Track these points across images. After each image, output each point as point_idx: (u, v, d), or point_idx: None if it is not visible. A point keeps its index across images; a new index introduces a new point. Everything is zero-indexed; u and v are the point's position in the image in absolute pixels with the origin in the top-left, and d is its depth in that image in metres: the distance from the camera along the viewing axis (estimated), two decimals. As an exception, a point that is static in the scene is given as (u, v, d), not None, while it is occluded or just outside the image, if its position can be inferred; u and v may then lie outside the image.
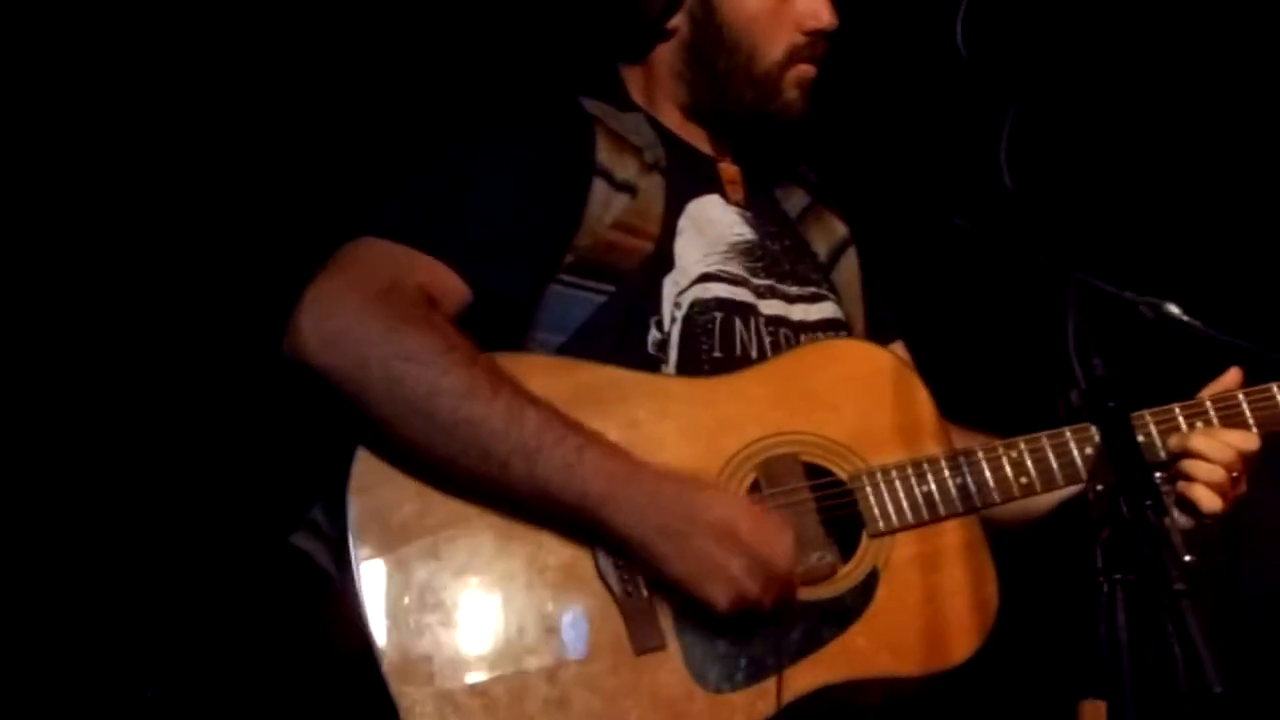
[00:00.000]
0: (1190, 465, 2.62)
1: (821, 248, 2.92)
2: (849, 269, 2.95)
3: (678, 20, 2.77)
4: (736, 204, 2.82)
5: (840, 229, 2.96)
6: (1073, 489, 2.68)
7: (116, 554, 3.58)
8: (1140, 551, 2.07)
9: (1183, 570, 2.03)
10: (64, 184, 3.62)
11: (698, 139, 2.83)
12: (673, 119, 2.82)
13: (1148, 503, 2.08)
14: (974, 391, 2.93)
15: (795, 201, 2.94)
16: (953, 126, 3.07)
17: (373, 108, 3.73)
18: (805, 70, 2.78)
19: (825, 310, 2.83)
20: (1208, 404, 2.69)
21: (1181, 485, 2.63)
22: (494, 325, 2.55)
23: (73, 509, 3.60)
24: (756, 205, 2.85)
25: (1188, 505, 2.62)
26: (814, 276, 2.86)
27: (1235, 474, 2.63)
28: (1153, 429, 2.67)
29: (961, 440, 2.69)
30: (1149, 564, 2.06)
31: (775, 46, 2.75)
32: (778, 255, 2.82)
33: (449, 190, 2.58)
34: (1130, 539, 2.09)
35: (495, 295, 2.55)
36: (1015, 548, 2.73)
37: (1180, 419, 2.68)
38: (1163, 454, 2.65)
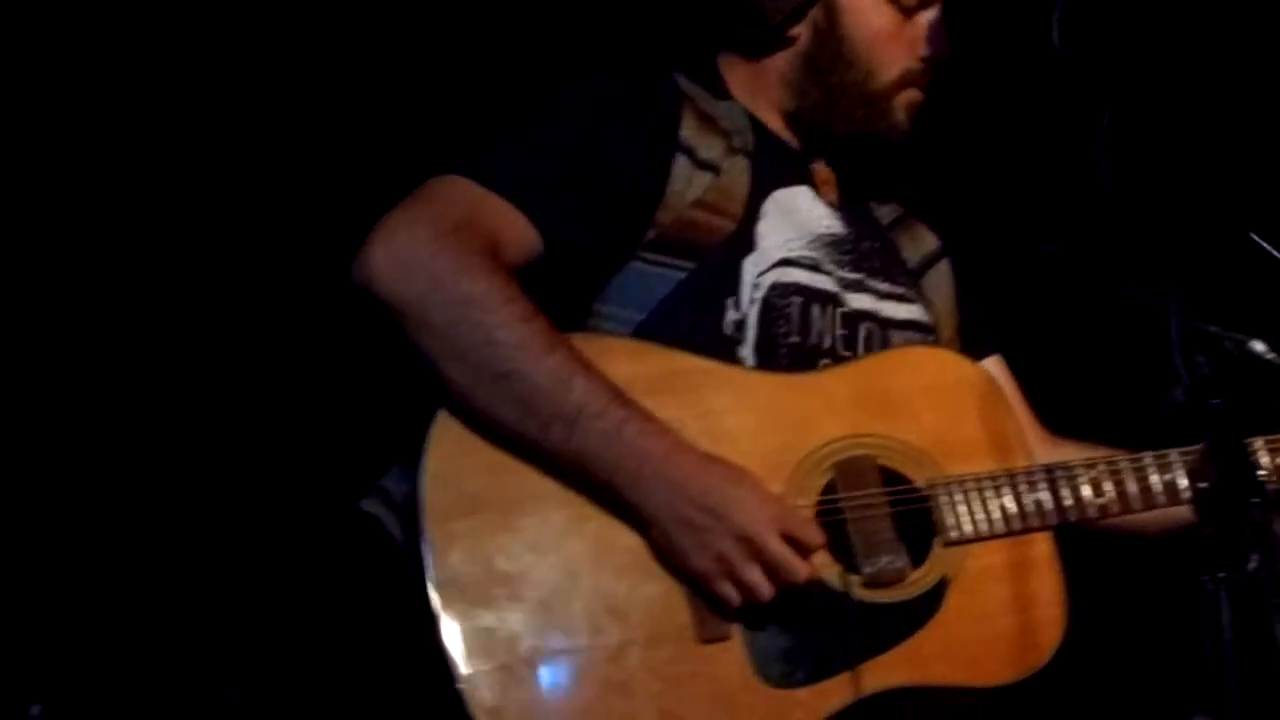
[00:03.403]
0: None
1: (912, 255, 2.91)
2: (941, 279, 2.93)
3: (799, 29, 2.76)
4: (829, 202, 2.81)
5: (932, 241, 2.95)
6: None
7: (200, 553, 3.61)
8: (1244, 550, 2.05)
9: None
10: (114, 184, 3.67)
11: (793, 141, 2.82)
12: (772, 121, 2.81)
13: (1254, 500, 2.05)
14: (1068, 407, 2.92)
15: (887, 211, 2.93)
16: (1050, 133, 3.05)
17: (472, 71, 3.78)
18: (914, 95, 2.78)
19: (913, 312, 2.82)
20: None
21: None
22: (562, 284, 2.55)
23: (154, 509, 3.62)
24: (848, 207, 2.84)
25: None
26: (902, 279, 2.85)
27: None
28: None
29: (1063, 452, 2.70)
30: (1254, 563, 2.03)
31: (891, 68, 2.75)
32: (868, 253, 2.81)
33: (532, 141, 2.60)
34: (1234, 538, 2.06)
35: (565, 246, 2.54)
36: (1120, 553, 2.71)
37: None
38: None
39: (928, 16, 2.77)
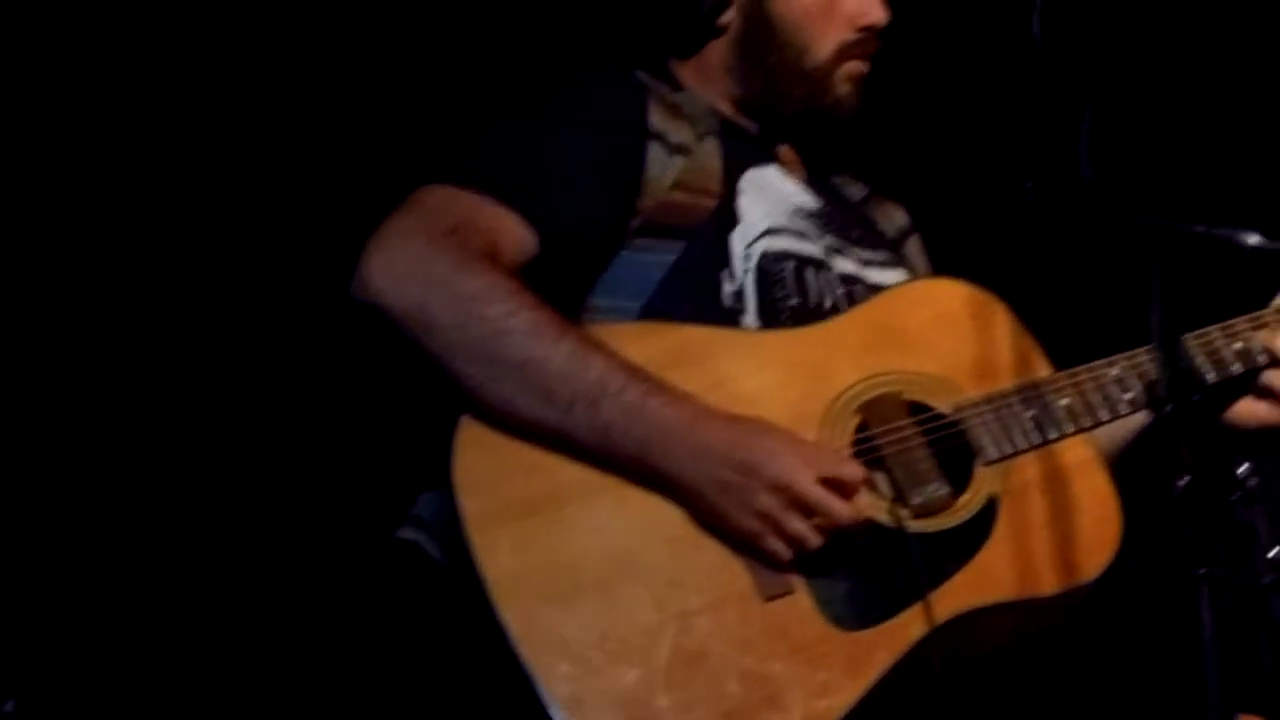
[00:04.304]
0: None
1: (888, 228, 2.92)
2: (917, 250, 2.95)
3: (729, 16, 2.78)
4: (799, 179, 2.81)
5: (902, 217, 2.97)
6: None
7: (181, 553, 3.59)
8: (1225, 546, 2.07)
9: (1269, 564, 2.05)
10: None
11: (751, 127, 2.83)
12: (727, 110, 2.82)
13: (1233, 496, 2.09)
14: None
15: (854, 190, 2.94)
16: (1028, 121, 3.07)
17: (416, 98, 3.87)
18: (856, 67, 2.78)
19: (899, 276, 2.81)
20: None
21: (1267, 376, 2.62)
22: (557, 283, 2.53)
23: (143, 513, 3.61)
24: (817, 184, 2.85)
25: (1269, 393, 2.63)
26: (883, 247, 2.85)
27: None
28: (1220, 344, 2.64)
29: None
30: (1234, 558, 2.06)
31: (826, 43, 2.75)
32: (846, 224, 2.81)
33: (512, 143, 2.61)
34: (1214, 533, 2.08)
35: (560, 240, 2.54)
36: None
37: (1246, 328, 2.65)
38: (1243, 363, 2.62)
39: None
